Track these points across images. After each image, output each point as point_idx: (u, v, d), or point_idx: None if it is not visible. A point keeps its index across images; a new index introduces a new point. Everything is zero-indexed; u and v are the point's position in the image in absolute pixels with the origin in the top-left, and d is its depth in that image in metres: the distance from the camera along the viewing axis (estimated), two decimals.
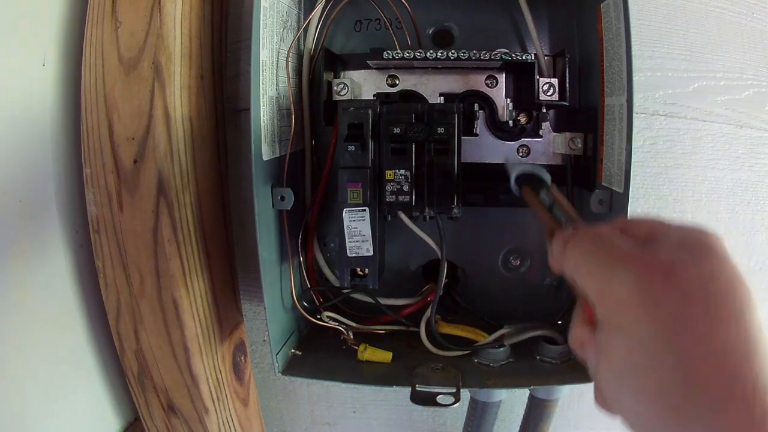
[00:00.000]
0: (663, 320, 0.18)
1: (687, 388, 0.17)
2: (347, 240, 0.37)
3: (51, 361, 0.40)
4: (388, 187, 0.36)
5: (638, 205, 0.45)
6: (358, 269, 0.38)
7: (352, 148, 0.35)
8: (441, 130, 0.35)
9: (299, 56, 0.42)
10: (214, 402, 0.42)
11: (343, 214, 0.36)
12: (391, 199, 0.36)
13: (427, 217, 0.37)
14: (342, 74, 0.43)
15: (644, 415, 0.18)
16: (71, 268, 0.42)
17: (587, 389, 0.46)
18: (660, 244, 0.20)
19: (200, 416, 0.42)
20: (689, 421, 0.17)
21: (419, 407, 0.50)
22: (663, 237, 0.20)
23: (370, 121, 0.35)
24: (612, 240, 0.21)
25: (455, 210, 0.36)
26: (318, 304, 0.43)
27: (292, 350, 0.41)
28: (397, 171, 0.36)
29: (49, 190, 0.41)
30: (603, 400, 0.21)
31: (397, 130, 0.35)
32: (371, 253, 0.37)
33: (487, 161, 0.42)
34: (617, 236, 0.21)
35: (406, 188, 0.36)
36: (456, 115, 0.35)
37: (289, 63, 0.40)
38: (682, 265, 0.18)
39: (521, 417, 0.46)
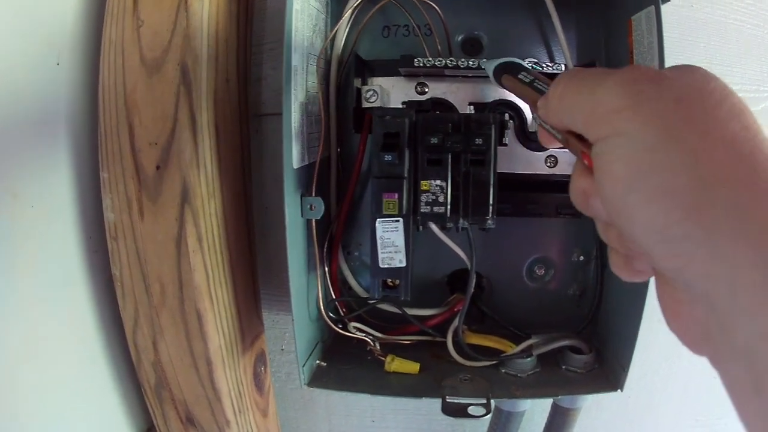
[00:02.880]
0: (662, 120, 0.17)
1: (703, 184, 0.15)
2: (379, 251, 0.36)
3: (63, 368, 0.38)
4: (423, 198, 0.35)
5: None
6: (389, 280, 0.38)
7: (388, 157, 0.34)
8: (479, 141, 0.34)
9: (326, 61, 0.41)
10: (235, 414, 0.41)
11: (376, 224, 0.36)
12: (426, 210, 0.35)
13: (460, 228, 0.36)
14: (370, 80, 0.42)
15: (661, 223, 0.16)
16: (85, 275, 0.41)
17: (605, 398, 0.47)
18: (644, 68, 0.19)
19: (221, 429, 0.41)
20: (709, 220, 0.15)
21: (438, 416, 0.50)
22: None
23: (407, 130, 0.35)
24: (594, 69, 0.20)
25: (489, 221, 0.36)
26: (342, 314, 0.43)
27: (317, 361, 0.41)
28: (432, 182, 0.35)
29: (62, 194, 0.39)
30: (616, 218, 0.18)
31: (434, 140, 0.34)
32: (404, 264, 0.36)
33: (515, 171, 0.41)
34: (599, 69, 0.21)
35: (441, 199, 0.35)
36: (493, 126, 0.35)
37: (319, 68, 0.39)
38: (671, 75, 0.18)
39: (539, 425, 0.46)
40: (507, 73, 0.31)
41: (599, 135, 0.18)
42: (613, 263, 0.21)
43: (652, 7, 0.36)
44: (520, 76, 0.29)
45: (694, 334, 0.17)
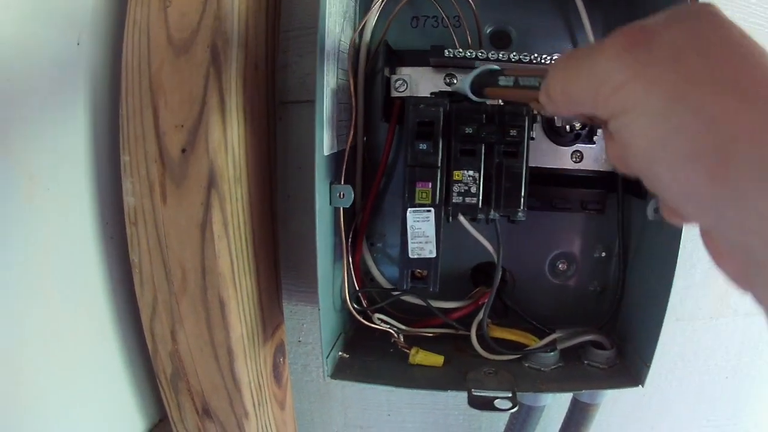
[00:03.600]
0: (665, 86, 0.16)
1: (722, 144, 0.15)
2: (410, 241, 0.36)
3: (74, 355, 0.37)
4: (456, 188, 0.35)
5: None
6: (416, 271, 0.37)
7: (423, 146, 0.34)
8: (513, 132, 0.34)
9: (355, 49, 0.41)
10: (254, 406, 0.40)
11: (407, 214, 0.35)
12: (458, 201, 0.35)
13: (490, 219, 0.36)
14: (398, 70, 0.41)
15: (688, 187, 0.16)
16: (100, 261, 0.40)
17: (620, 395, 0.47)
18: (631, 30, 0.18)
19: (239, 421, 0.40)
20: (735, 178, 0.15)
21: (455, 411, 0.50)
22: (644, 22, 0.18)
23: (441, 119, 0.35)
24: (583, 49, 0.20)
25: (521, 213, 0.36)
26: (365, 305, 0.42)
27: (340, 353, 0.40)
28: (465, 172, 0.35)
29: (79, 177, 0.38)
30: (647, 184, 0.19)
31: (469, 130, 0.34)
32: (434, 254, 0.36)
33: (542, 165, 0.41)
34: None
35: (473, 190, 0.35)
36: (527, 118, 0.35)
37: (350, 56, 0.39)
38: (661, 29, 0.17)
39: (556, 420, 0.46)
40: (486, 86, 0.30)
41: (610, 114, 0.18)
42: (664, 212, 0.20)
43: None
44: (501, 83, 0.28)
45: (737, 273, 0.18)
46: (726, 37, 0.16)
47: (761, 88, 0.15)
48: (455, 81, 0.41)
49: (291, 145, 0.44)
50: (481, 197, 0.35)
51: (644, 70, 0.16)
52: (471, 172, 0.35)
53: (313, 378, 0.48)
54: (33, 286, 0.34)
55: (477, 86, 0.31)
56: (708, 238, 0.19)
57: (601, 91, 0.18)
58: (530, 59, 0.38)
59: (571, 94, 0.20)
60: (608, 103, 0.18)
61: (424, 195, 0.35)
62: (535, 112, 0.24)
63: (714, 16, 0.17)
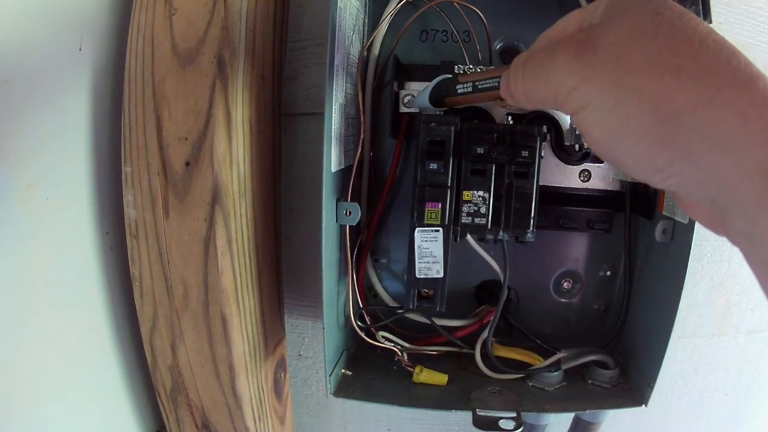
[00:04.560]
0: (611, 81, 0.18)
1: (665, 119, 0.18)
2: (417, 260, 0.35)
3: (72, 366, 0.36)
4: (465, 209, 0.35)
5: (702, 235, 0.45)
6: (423, 290, 0.37)
7: (433, 166, 0.33)
8: (525, 153, 0.34)
9: (364, 63, 0.40)
10: (255, 422, 0.40)
11: (415, 233, 0.35)
12: (467, 221, 0.35)
13: (498, 240, 0.36)
14: (406, 85, 0.41)
15: (646, 161, 0.19)
16: (99, 272, 0.39)
17: (621, 412, 0.47)
18: (578, 36, 0.20)
19: None
20: (682, 143, 0.18)
21: (455, 427, 0.49)
22: (588, 14, 0.21)
23: (452, 138, 0.34)
24: (538, 48, 0.22)
25: (529, 234, 0.35)
26: (369, 322, 0.41)
27: (343, 370, 0.40)
28: (475, 192, 0.34)
29: (79, 187, 0.37)
30: (612, 165, 0.23)
31: (480, 151, 0.34)
32: (441, 274, 0.36)
33: (549, 184, 0.41)
34: (542, 41, 0.23)
35: (483, 210, 0.35)
36: (538, 138, 0.34)
37: (359, 70, 0.38)
38: (608, 25, 0.19)
39: None
40: (445, 96, 0.31)
41: (569, 112, 0.21)
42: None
43: None
44: (460, 91, 0.30)
45: (709, 221, 0.21)
46: (660, 23, 0.18)
47: (693, 64, 0.17)
48: None
49: (296, 158, 0.43)
50: (490, 218, 0.35)
51: (592, 72, 0.19)
52: (481, 193, 0.34)
53: (313, 392, 0.48)
54: (29, 295, 0.33)
55: (436, 98, 0.32)
56: (677, 198, 0.22)
57: (560, 92, 0.20)
58: None
59: (532, 96, 0.23)
60: (566, 102, 0.20)
61: (433, 215, 0.34)
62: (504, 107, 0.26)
63: (647, 5, 0.19)
